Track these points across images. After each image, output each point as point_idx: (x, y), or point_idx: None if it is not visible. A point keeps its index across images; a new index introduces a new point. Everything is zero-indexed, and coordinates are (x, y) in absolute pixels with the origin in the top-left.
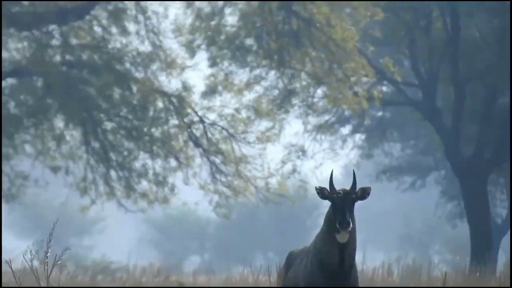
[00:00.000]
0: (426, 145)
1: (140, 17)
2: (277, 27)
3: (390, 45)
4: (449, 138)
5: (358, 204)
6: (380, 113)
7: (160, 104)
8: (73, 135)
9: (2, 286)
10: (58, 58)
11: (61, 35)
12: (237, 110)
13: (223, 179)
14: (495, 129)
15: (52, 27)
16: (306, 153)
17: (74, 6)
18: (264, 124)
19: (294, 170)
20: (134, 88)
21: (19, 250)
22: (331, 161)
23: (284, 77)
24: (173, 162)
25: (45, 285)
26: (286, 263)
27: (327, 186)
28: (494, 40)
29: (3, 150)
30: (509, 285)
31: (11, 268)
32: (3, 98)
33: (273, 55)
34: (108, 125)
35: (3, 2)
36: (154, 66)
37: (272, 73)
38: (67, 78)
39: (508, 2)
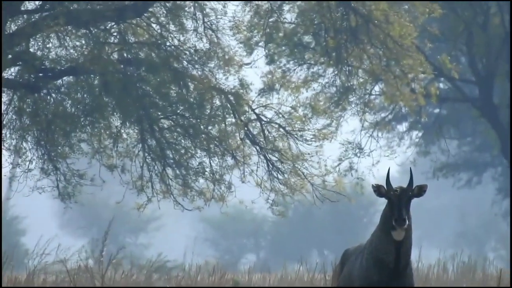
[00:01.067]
0: (483, 141)
1: (198, 15)
2: (335, 24)
3: (447, 41)
4: (505, 135)
5: (414, 201)
6: (437, 110)
7: (217, 101)
8: (130, 133)
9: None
10: (115, 56)
11: (118, 33)
12: (294, 107)
13: (280, 176)
14: None
15: (110, 24)
16: (363, 151)
17: (132, 3)
18: (321, 121)
19: (351, 168)
20: (191, 86)
21: (74, 249)
22: (387, 158)
23: (341, 74)
24: (230, 160)
25: (100, 285)
26: (342, 260)
27: (383, 183)
28: None
29: (59, 149)
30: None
31: (66, 267)
32: (60, 96)
33: (331, 52)
34: (165, 123)
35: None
36: (212, 64)
37: (330, 70)
38: (124, 76)
39: None
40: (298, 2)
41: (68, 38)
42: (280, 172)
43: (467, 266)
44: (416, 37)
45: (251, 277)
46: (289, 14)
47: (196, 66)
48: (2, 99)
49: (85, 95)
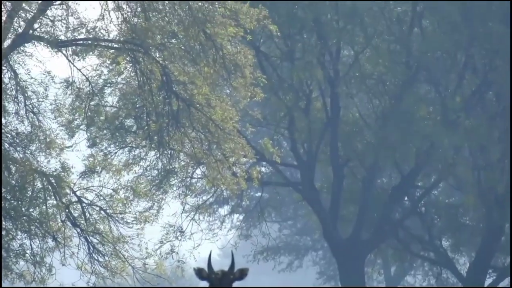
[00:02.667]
0: (304, 225)
1: (20, 97)
2: (157, 107)
3: (269, 125)
4: (327, 219)
5: (235, 284)
6: (258, 194)
7: (38, 184)
8: None
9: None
10: None
11: None
12: (115, 190)
13: (101, 259)
14: (373, 210)
15: None
16: (184, 234)
17: None
18: (143, 204)
19: (172, 251)
20: (13, 169)
21: None
22: (209, 241)
23: (163, 157)
24: (51, 242)
25: None
26: None
27: (205, 266)
28: (373, 121)
29: None
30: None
31: None
32: None
33: (152, 135)
34: None
35: None
36: (33, 147)
37: (152, 153)
38: None
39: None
40: (120, 85)
41: None
42: (101, 255)
43: None
44: (238, 121)
45: None
46: (111, 98)
47: (18, 148)
48: None
49: None
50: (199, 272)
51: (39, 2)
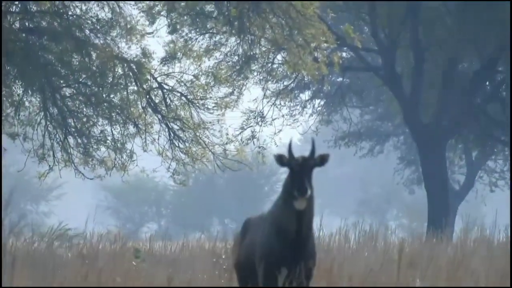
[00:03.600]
0: (385, 110)
1: None
2: None
3: (350, 11)
4: (408, 104)
5: (316, 169)
6: (339, 79)
7: (119, 70)
8: (32, 102)
9: None
10: (17, 25)
11: (20, 2)
12: (196, 76)
13: (181, 145)
14: (454, 95)
15: None
16: (265, 119)
17: None
18: (223, 90)
19: (252, 136)
20: (94, 55)
21: None
22: (290, 127)
23: (244, 43)
24: (131, 129)
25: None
26: (243, 229)
27: (286, 152)
28: (455, 7)
29: None
30: None
31: None
32: None
33: (233, 21)
34: (67, 91)
35: None
36: (114, 33)
37: (232, 39)
38: (26, 45)
39: None
40: None
41: None
42: (181, 141)
43: (368, 235)
44: (318, 7)
45: (152, 245)
46: None
47: (99, 35)
48: None
49: None
50: (279, 158)
51: None
